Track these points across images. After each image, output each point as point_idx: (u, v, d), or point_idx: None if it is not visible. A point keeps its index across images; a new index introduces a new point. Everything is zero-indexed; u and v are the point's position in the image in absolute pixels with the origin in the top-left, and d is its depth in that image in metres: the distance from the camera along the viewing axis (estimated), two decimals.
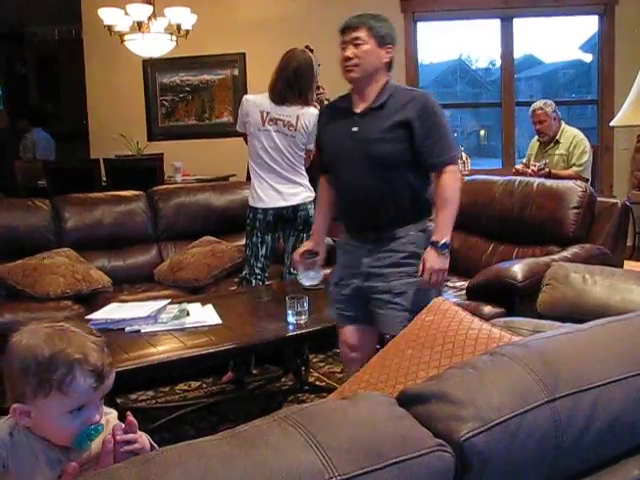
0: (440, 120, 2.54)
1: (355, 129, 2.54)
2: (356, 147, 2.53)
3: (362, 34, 2.50)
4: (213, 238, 4.36)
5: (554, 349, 1.23)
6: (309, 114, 3.64)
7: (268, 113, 3.62)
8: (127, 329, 2.80)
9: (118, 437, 1.28)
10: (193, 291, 3.94)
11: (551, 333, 1.32)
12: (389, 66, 2.60)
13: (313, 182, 4.70)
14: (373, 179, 2.52)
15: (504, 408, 1.06)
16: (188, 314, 2.93)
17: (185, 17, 5.74)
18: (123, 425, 1.30)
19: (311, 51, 5.67)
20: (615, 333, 1.35)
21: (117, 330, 2.79)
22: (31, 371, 1.23)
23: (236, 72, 7.05)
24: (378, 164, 2.50)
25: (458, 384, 1.10)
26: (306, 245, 2.85)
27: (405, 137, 2.48)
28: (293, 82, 3.59)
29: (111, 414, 1.36)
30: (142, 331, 2.78)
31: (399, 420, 1.02)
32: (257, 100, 3.68)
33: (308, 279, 2.80)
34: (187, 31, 5.78)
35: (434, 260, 2.47)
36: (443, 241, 2.48)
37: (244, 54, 6.98)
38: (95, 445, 1.30)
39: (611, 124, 2.15)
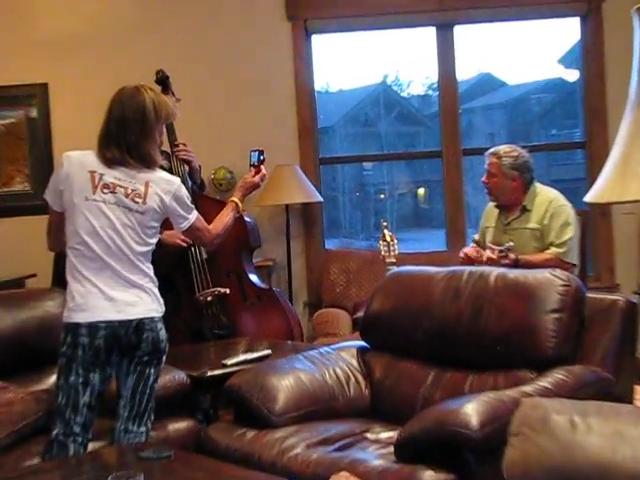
0: None
1: None
2: None
3: None
4: None
5: None
6: (164, 181, 3.74)
7: (101, 176, 3.65)
8: None
9: None
10: None
11: None
12: None
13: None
14: None
15: None
16: None
17: None
18: None
19: (173, 94, 5.63)
20: None
21: None
22: None
23: (34, 113, 7.05)
24: None
25: None
26: None
27: None
28: (117, 136, 3.67)
29: None
30: None
31: None
32: (84, 158, 3.71)
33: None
34: None
35: None
36: None
37: (46, 85, 7.03)
38: None
39: (585, 199, 2.13)
